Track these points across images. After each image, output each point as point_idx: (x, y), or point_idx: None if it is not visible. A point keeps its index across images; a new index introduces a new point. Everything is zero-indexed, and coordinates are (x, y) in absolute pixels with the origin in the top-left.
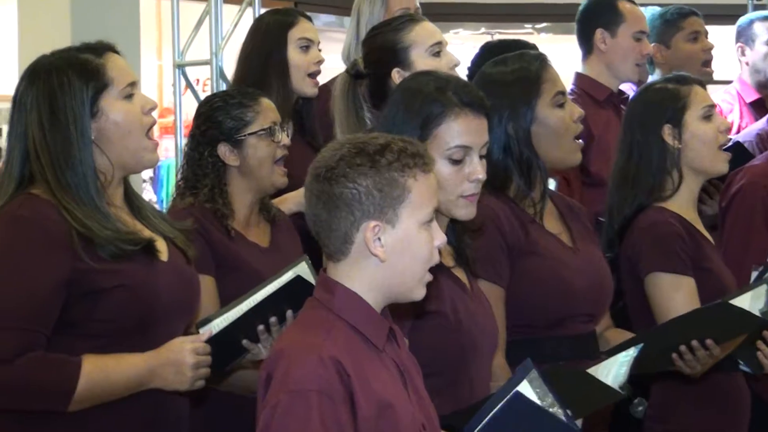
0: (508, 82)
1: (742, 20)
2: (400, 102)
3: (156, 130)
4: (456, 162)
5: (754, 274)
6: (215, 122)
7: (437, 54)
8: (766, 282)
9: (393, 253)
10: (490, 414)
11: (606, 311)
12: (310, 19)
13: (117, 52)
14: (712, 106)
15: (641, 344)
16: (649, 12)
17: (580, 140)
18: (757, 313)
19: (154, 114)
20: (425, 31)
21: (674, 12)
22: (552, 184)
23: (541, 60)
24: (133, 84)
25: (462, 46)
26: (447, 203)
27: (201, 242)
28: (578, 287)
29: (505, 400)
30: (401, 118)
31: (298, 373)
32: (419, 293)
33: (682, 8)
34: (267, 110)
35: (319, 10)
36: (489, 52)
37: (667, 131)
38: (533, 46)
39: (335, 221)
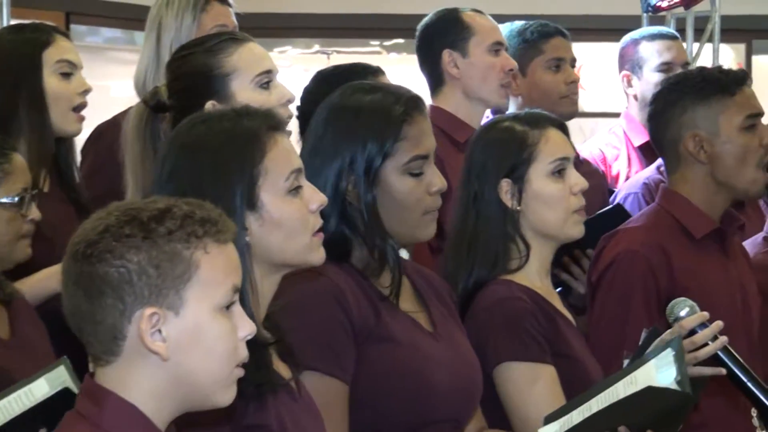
0: (357, 119)
1: (625, 41)
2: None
3: None
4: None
5: (626, 363)
6: None
7: (266, 85)
8: (671, 347)
9: (179, 348)
10: None
11: (475, 413)
12: (68, 36)
13: None
14: (566, 158)
15: None
16: (507, 28)
17: (435, 212)
18: (675, 386)
19: None
20: (252, 56)
21: (535, 30)
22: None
23: (411, 106)
24: None
25: (290, 69)
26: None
27: None
28: (441, 384)
29: None
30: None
31: None
32: (224, 398)
33: (546, 26)
34: (18, 172)
35: (99, 22)
36: (324, 82)
37: (504, 187)
38: (377, 70)
39: (100, 311)
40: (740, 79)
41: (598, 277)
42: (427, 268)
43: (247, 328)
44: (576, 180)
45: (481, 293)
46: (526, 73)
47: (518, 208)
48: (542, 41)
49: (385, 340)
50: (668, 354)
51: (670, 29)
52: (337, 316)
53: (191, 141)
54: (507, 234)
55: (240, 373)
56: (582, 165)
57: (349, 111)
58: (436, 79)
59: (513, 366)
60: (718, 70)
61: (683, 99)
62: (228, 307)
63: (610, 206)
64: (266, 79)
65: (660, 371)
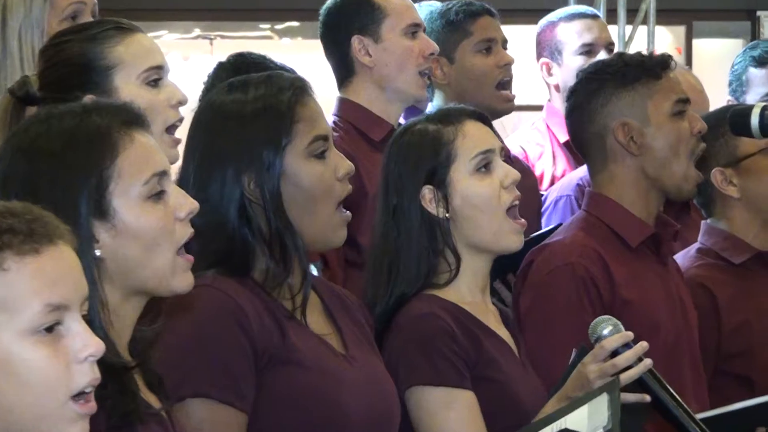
0: (247, 115)
1: (541, 26)
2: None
3: None
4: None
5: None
6: None
7: (154, 83)
8: (607, 391)
9: None
10: None
11: None
12: None
13: None
14: (490, 151)
15: None
16: (426, 9)
17: (347, 214)
18: None
19: None
20: (140, 48)
21: (460, 10)
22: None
23: (299, 88)
24: None
25: (167, 57)
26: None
27: None
28: (355, 412)
29: None
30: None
31: None
32: None
33: (471, 5)
34: None
35: None
36: (233, 72)
37: (427, 195)
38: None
39: None
40: (665, 62)
41: (535, 294)
42: (339, 286)
43: (90, 347)
44: (506, 172)
45: (401, 310)
46: (453, 59)
47: (446, 215)
48: (469, 22)
49: (291, 362)
50: (602, 399)
51: (590, 8)
52: (235, 337)
53: (28, 143)
54: (433, 247)
55: (85, 408)
56: (512, 163)
57: (234, 114)
58: (346, 70)
59: (425, 391)
60: (639, 54)
61: (605, 87)
62: (51, 328)
63: (552, 226)
64: (155, 76)
65: (592, 418)
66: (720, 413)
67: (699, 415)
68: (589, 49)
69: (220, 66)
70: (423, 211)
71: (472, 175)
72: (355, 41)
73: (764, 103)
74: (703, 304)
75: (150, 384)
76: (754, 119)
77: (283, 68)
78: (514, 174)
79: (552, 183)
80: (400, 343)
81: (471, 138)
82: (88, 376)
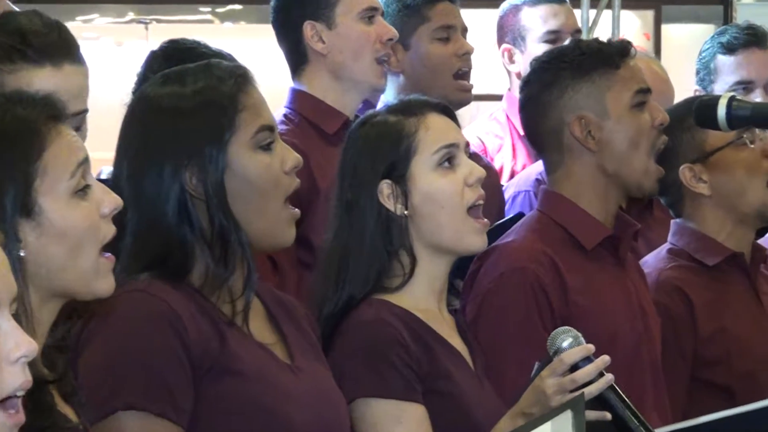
0: (185, 110)
1: (504, 9)
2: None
3: None
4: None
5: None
6: None
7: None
8: (571, 407)
9: None
10: None
11: None
12: None
13: None
14: (453, 145)
15: None
16: None
17: (296, 211)
18: None
19: None
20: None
21: None
22: None
23: (240, 76)
24: None
25: (98, 42)
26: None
27: None
28: (301, 425)
29: None
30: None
31: None
32: None
33: None
34: None
35: None
36: (165, 61)
37: (385, 190)
38: (229, 56)
39: None
40: (624, 49)
41: (479, 303)
42: (283, 293)
43: (22, 347)
44: (470, 169)
45: (349, 315)
46: (409, 45)
47: (405, 212)
48: (427, 6)
49: (231, 372)
50: (566, 416)
51: None
52: (170, 344)
53: None
54: (387, 247)
55: (13, 419)
56: (472, 159)
57: (171, 109)
58: (298, 58)
59: (371, 403)
60: (597, 41)
61: (561, 78)
62: None
63: (511, 216)
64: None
65: None
66: (692, 425)
67: (671, 427)
68: (554, 37)
69: (152, 56)
70: (381, 207)
71: (433, 170)
72: (307, 27)
73: (732, 93)
74: (678, 309)
75: (66, 395)
76: (721, 110)
77: (220, 54)
78: (479, 171)
79: (512, 178)
80: (346, 351)
81: (434, 131)
82: (19, 378)
